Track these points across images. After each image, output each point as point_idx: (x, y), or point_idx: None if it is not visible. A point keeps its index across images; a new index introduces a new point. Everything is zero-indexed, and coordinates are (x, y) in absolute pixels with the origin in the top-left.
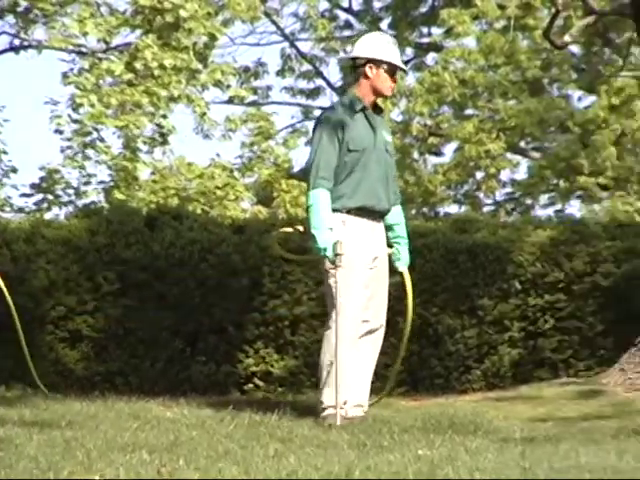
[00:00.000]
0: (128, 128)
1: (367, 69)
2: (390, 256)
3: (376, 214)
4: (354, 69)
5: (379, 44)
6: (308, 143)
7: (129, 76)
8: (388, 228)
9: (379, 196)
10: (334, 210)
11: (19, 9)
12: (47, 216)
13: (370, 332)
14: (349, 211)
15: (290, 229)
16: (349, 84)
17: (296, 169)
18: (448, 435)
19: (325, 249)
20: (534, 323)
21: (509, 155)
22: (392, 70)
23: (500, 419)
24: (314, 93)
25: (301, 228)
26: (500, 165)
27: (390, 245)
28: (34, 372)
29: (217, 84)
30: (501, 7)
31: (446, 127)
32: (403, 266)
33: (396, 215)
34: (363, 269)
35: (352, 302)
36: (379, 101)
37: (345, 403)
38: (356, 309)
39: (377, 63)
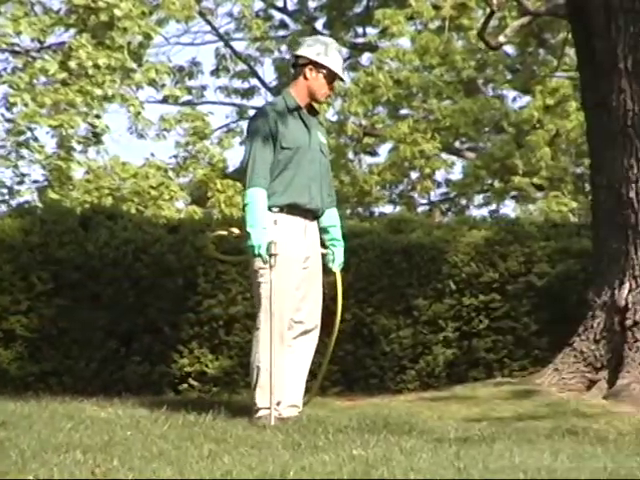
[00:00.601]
0: (62, 127)
1: (307, 70)
2: (324, 256)
3: (308, 213)
4: (295, 67)
5: (324, 48)
6: (243, 143)
7: (63, 75)
8: (323, 230)
9: (311, 195)
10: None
11: None
12: None
13: (305, 333)
14: (281, 209)
15: (225, 232)
16: (285, 83)
17: (231, 169)
18: (383, 435)
19: (259, 247)
20: (469, 323)
21: (444, 155)
22: (331, 77)
23: (435, 419)
24: (249, 93)
25: (236, 231)
26: (435, 165)
27: (325, 247)
28: None
29: (151, 83)
30: (436, 7)
31: (381, 127)
32: (336, 267)
33: (331, 217)
34: (294, 269)
35: (282, 302)
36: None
37: (279, 404)
38: (287, 310)
39: (318, 67)
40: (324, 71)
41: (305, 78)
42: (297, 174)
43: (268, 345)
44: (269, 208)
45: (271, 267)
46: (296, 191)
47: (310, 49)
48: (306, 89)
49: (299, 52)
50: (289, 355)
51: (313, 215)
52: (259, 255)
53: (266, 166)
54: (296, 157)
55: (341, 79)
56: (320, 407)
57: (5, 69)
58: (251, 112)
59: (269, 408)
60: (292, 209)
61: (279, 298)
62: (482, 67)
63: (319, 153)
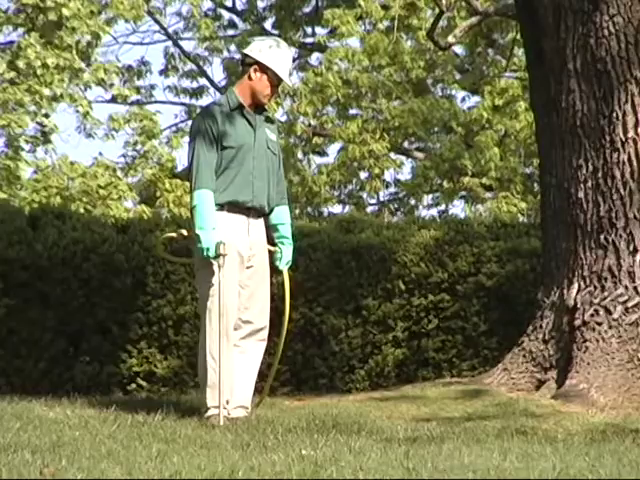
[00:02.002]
0: (10, 127)
1: (252, 70)
2: (271, 254)
3: (251, 211)
4: (242, 66)
5: (272, 50)
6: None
7: (11, 75)
8: (272, 228)
9: (255, 192)
10: None
11: None
12: None
13: (253, 333)
14: (222, 207)
15: (174, 234)
16: (234, 83)
17: (180, 169)
18: (332, 435)
19: (208, 249)
20: (418, 323)
21: (393, 155)
22: (276, 79)
23: (384, 419)
24: (198, 92)
25: (184, 232)
26: (384, 165)
27: (274, 244)
28: None
29: (100, 83)
30: (385, 7)
31: (330, 127)
32: (283, 266)
33: (281, 215)
34: (236, 267)
35: (226, 301)
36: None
37: (227, 403)
38: (231, 309)
39: (263, 68)
40: (269, 73)
41: (249, 78)
42: (240, 172)
43: (216, 345)
44: None
45: (219, 267)
46: (237, 189)
47: (257, 49)
48: (249, 89)
49: (246, 51)
50: (238, 355)
51: (257, 213)
52: (208, 257)
53: (211, 167)
54: (239, 155)
55: (287, 83)
56: (269, 407)
57: None
58: None
59: (218, 407)
60: (233, 207)
61: (223, 297)
62: (431, 67)
63: (266, 151)
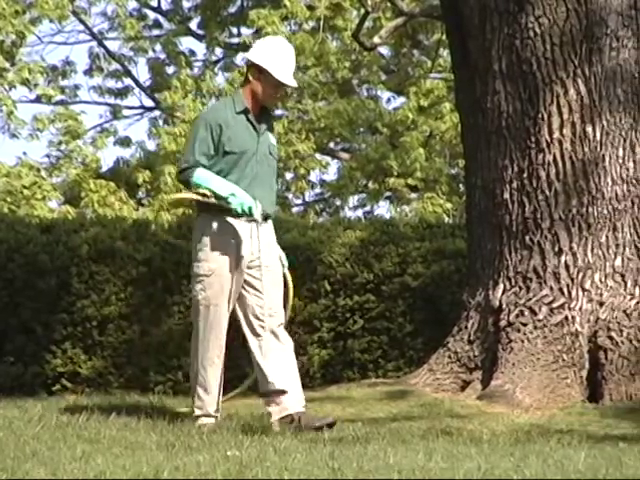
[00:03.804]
0: None
1: (250, 72)
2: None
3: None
4: (246, 66)
5: (270, 51)
6: (117, 143)
7: None
8: None
9: (255, 198)
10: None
11: None
12: None
13: (273, 338)
14: (224, 211)
15: (189, 195)
16: (159, 83)
17: (104, 169)
18: (257, 436)
19: (250, 207)
20: (343, 324)
21: (318, 156)
22: (275, 81)
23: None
24: (123, 93)
25: (203, 193)
26: (309, 166)
27: None
28: None
29: (25, 83)
30: (310, 8)
31: None
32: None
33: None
34: (231, 273)
35: (219, 306)
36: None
37: (217, 411)
38: (224, 314)
39: (261, 70)
40: (266, 74)
41: (249, 81)
42: (241, 178)
43: (208, 354)
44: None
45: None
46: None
47: (256, 51)
48: (250, 91)
49: (247, 53)
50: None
51: (260, 217)
52: (249, 212)
53: (207, 155)
54: (241, 161)
55: (287, 85)
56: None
57: None
58: (125, 112)
59: (208, 416)
60: (235, 213)
61: (216, 301)
62: (357, 68)
63: (267, 156)
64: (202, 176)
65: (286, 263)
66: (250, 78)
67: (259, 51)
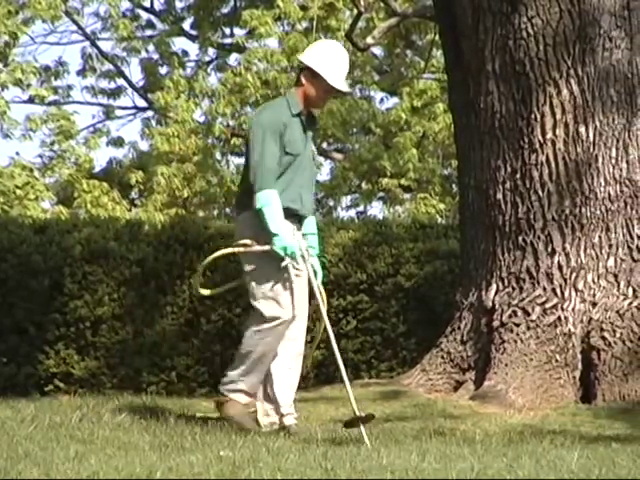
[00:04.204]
0: None
1: (303, 75)
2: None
3: (296, 218)
4: (299, 69)
5: (324, 55)
6: (110, 143)
7: None
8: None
9: (303, 201)
10: None
11: None
12: None
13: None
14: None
15: (233, 249)
16: (152, 83)
17: (97, 169)
18: (250, 436)
19: (288, 248)
20: (337, 324)
21: None
22: (327, 86)
23: (302, 420)
24: (115, 93)
25: (248, 242)
26: None
27: None
28: None
29: (17, 83)
30: (303, 8)
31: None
32: (319, 278)
33: (311, 225)
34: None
35: (285, 308)
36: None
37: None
38: (290, 312)
39: (314, 74)
40: (319, 78)
41: (301, 83)
42: (293, 180)
43: (269, 357)
44: None
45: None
46: (290, 196)
47: (310, 54)
48: (302, 94)
49: (300, 55)
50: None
51: (300, 221)
52: (293, 258)
53: (275, 169)
54: (295, 163)
55: (340, 91)
56: (187, 408)
57: None
58: (118, 112)
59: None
60: (285, 213)
61: (292, 307)
62: (350, 68)
63: (311, 161)
64: (266, 198)
65: (320, 276)
66: (303, 81)
67: (313, 55)
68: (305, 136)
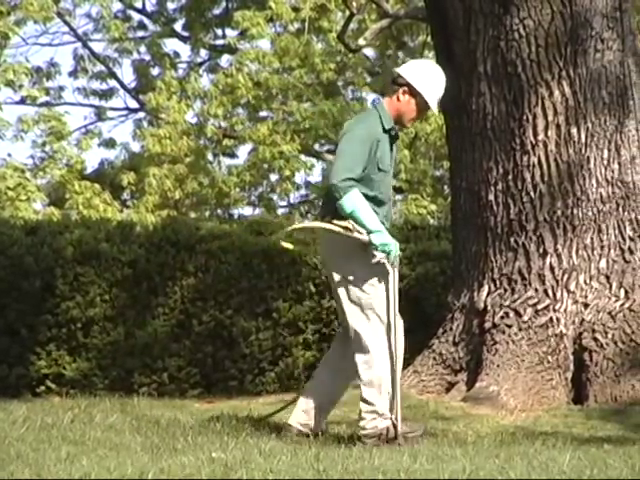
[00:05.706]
0: None
1: (401, 92)
2: None
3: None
4: (393, 84)
5: (426, 75)
6: (102, 144)
7: None
8: None
9: (387, 216)
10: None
11: None
12: None
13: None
14: None
15: (328, 226)
16: (144, 84)
17: (89, 171)
18: (242, 437)
19: (388, 245)
20: (328, 325)
21: (303, 157)
22: (424, 105)
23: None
24: (107, 94)
25: (348, 224)
26: (294, 167)
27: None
28: None
29: (9, 84)
30: (295, 9)
31: (240, 129)
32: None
33: None
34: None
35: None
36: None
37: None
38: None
39: (414, 92)
40: (418, 98)
41: (398, 99)
42: (383, 195)
43: (387, 365)
44: None
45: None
46: (381, 212)
47: (411, 71)
48: (395, 110)
49: (400, 70)
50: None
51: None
52: (388, 252)
53: (358, 174)
54: (386, 179)
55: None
56: (179, 409)
57: None
58: (110, 113)
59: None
60: None
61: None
62: (342, 69)
63: (391, 176)
64: (354, 200)
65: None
66: (400, 98)
67: (416, 74)
68: (391, 152)
